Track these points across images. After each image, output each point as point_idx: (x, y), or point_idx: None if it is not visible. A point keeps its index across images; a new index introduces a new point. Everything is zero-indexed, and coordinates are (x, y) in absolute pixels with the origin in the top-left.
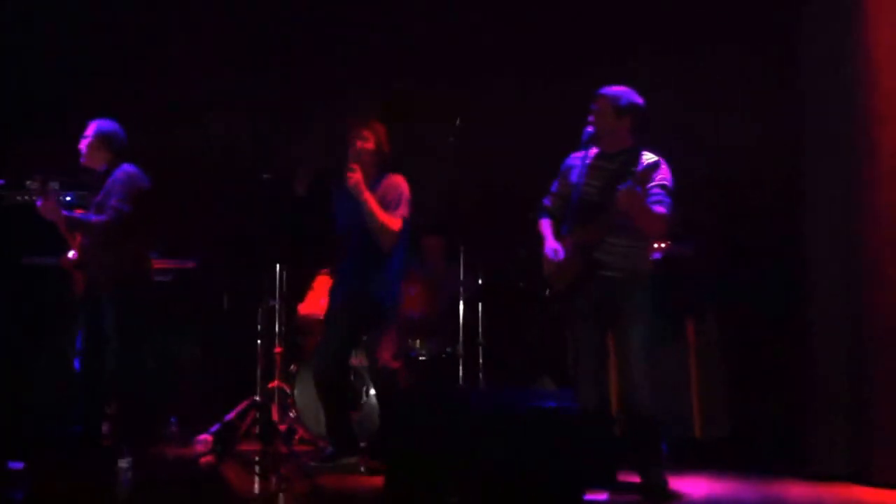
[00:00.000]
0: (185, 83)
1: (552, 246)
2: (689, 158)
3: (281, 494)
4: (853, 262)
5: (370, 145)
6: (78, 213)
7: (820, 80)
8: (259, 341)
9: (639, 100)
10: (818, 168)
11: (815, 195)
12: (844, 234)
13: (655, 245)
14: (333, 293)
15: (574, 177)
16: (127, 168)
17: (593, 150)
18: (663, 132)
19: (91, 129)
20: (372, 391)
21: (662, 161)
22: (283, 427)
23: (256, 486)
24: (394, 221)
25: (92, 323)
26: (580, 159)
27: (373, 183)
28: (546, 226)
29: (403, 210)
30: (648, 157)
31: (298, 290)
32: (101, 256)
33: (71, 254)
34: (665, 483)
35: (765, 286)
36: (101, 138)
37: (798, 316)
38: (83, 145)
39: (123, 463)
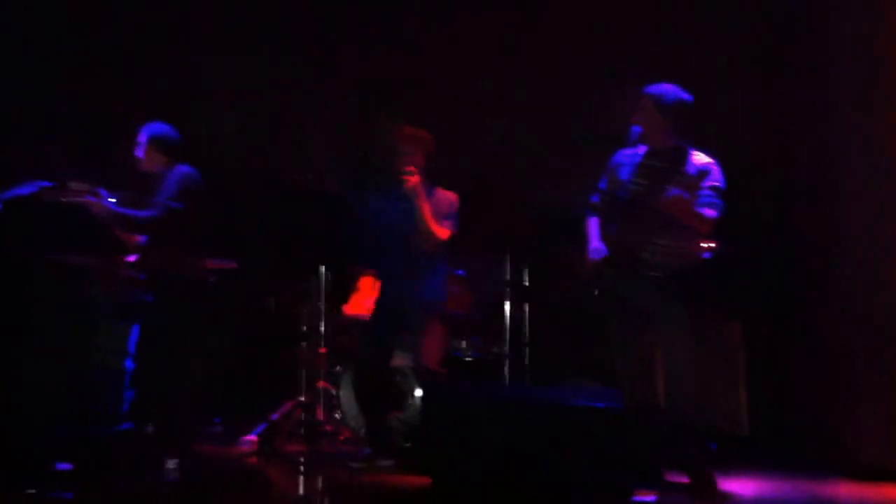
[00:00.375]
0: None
1: (595, 246)
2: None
3: (325, 495)
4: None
5: (420, 156)
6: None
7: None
8: (304, 342)
9: (685, 96)
10: (851, 164)
11: (847, 188)
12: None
13: (704, 244)
14: (380, 293)
15: (622, 175)
16: (181, 169)
17: (641, 148)
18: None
19: (144, 133)
20: (418, 392)
21: (714, 164)
22: (327, 427)
23: (301, 487)
24: (443, 231)
25: (140, 323)
26: (628, 156)
27: (426, 191)
28: (592, 224)
29: (452, 225)
30: (699, 158)
31: (343, 290)
32: (154, 256)
33: (129, 256)
34: (713, 482)
35: (812, 282)
36: (155, 141)
37: (839, 313)
38: (139, 151)
39: (170, 463)
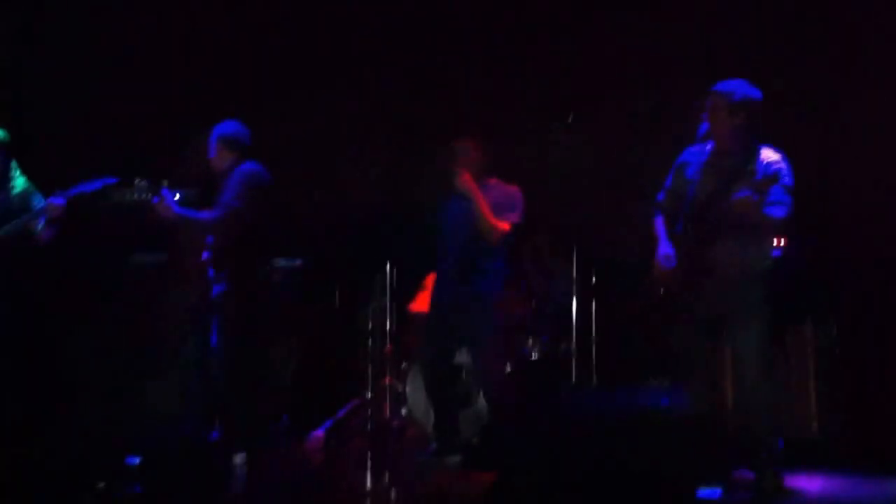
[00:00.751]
0: (299, 80)
1: (665, 251)
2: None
3: (392, 491)
4: None
5: (472, 154)
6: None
7: None
8: (370, 339)
9: (754, 93)
10: None
11: None
12: None
13: (774, 243)
14: (438, 292)
15: (689, 173)
16: (247, 166)
17: (710, 146)
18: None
19: (214, 132)
20: (482, 390)
21: (783, 161)
22: (394, 424)
23: (368, 483)
24: (503, 224)
25: (209, 323)
26: (696, 155)
27: (482, 187)
28: (660, 224)
29: (515, 217)
30: (768, 156)
31: (409, 288)
32: (223, 255)
33: (197, 254)
34: (780, 481)
35: (884, 282)
36: (224, 140)
37: None
38: (210, 150)
39: (238, 459)
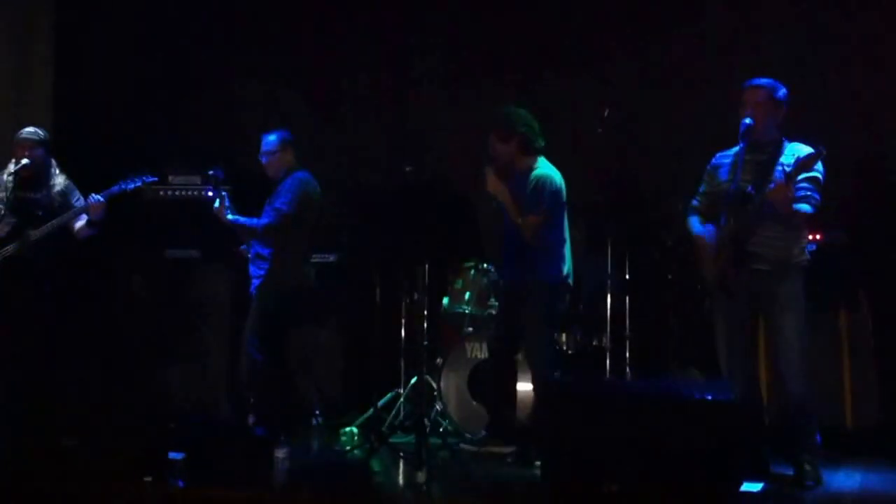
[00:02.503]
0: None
1: (702, 243)
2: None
3: (429, 485)
4: None
5: (505, 149)
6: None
7: None
8: (404, 334)
9: (786, 88)
10: None
11: None
12: None
13: (809, 236)
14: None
15: (723, 175)
16: (302, 174)
17: (740, 146)
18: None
19: (278, 137)
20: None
21: (815, 153)
22: (430, 417)
23: (404, 477)
24: (531, 219)
25: (251, 318)
26: (726, 157)
27: (520, 179)
28: (695, 223)
29: (543, 208)
30: (799, 149)
31: (444, 283)
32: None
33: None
34: (819, 473)
35: None
36: (287, 145)
37: None
38: (268, 155)
39: (280, 453)
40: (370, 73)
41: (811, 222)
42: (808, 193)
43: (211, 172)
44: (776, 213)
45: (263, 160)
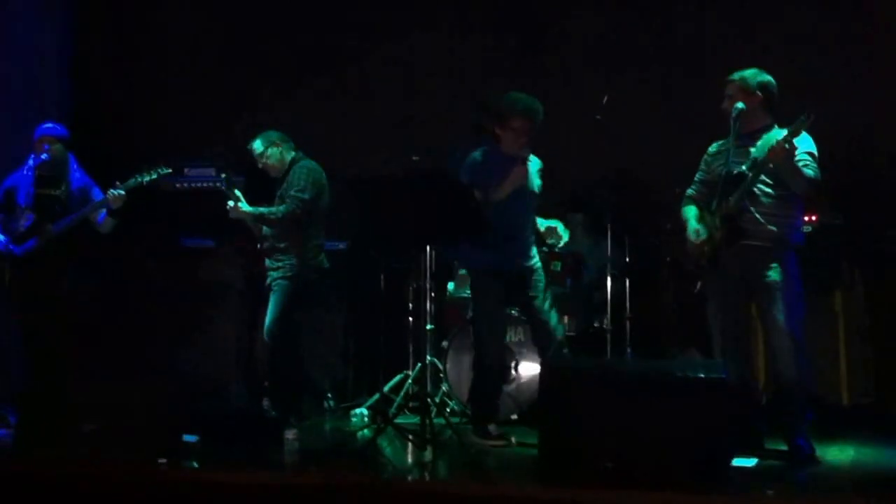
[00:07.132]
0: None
1: (695, 226)
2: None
3: (434, 464)
4: None
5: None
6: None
7: None
8: (410, 318)
9: (768, 77)
10: None
11: None
12: None
13: (805, 219)
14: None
15: (717, 163)
16: (304, 163)
17: (732, 136)
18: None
19: (256, 145)
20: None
21: (803, 118)
22: (435, 399)
23: (411, 457)
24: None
25: (266, 305)
26: (720, 146)
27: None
28: (690, 211)
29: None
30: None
31: (448, 269)
32: (283, 244)
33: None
34: (812, 450)
35: None
36: (267, 145)
37: None
38: (259, 164)
39: (290, 434)
40: (377, 63)
41: (816, 189)
42: (809, 161)
43: (224, 175)
44: (772, 189)
45: (260, 165)
